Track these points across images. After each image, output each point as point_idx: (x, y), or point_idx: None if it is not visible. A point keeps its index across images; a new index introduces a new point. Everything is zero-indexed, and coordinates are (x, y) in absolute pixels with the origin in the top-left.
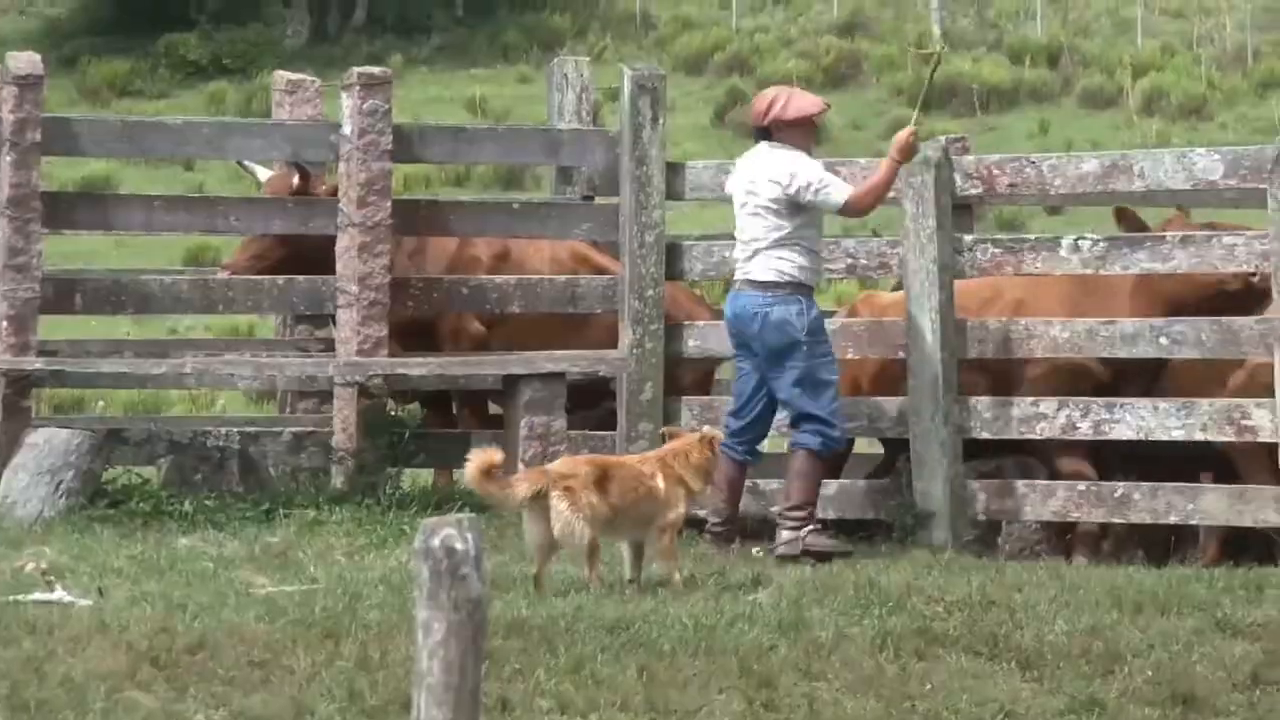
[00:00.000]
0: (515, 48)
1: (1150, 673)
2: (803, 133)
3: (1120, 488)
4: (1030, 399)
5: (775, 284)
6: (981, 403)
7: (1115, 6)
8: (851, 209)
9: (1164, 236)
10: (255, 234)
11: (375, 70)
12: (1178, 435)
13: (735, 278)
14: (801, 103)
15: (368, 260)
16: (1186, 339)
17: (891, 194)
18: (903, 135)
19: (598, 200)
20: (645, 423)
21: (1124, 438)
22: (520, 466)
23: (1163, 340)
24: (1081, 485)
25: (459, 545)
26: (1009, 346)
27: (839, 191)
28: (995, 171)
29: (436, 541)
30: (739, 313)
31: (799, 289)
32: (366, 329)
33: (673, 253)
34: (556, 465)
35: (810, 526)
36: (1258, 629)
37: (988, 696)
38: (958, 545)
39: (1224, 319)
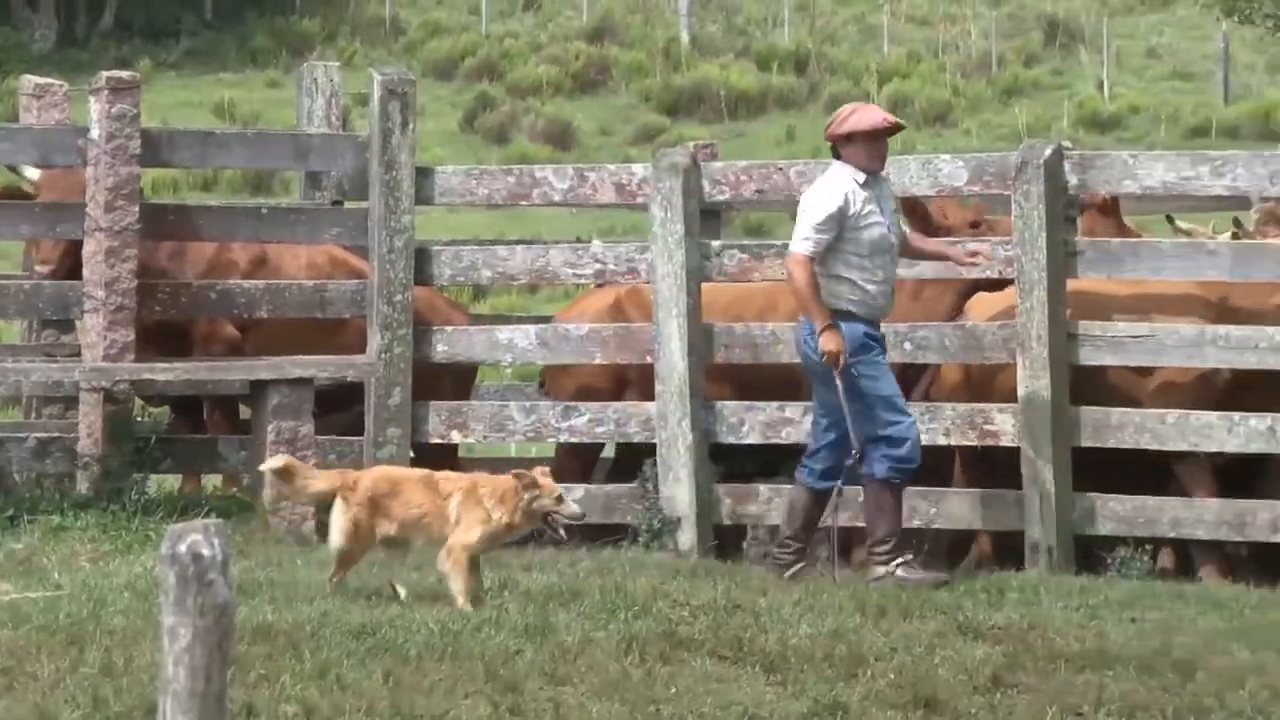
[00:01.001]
0: (264, 52)
1: (893, 675)
2: (861, 150)
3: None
4: (776, 404)
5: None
6: (728, 407)
7: (861, 14)
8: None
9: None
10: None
11: (123, 74)
12: (924, 440)
13: None
14: (859, 119)
15: (115, 265)
16: (931, 344)
17: (640, 199)
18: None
19: (347, 205)
20: (393, 428)
21: None
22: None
23: (907, 345)
24: None
25: (205, 551)
26: (756, 351)
27: (796, 243)
28: (743, 177)
29: (183, 547)
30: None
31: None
32: (113, 334)
33: (422, 257)
34: (360, 472)
35: (899, 559)
36: (998, 632)
37: (732, 700)
38: (704, 550)
39: (968, 324)
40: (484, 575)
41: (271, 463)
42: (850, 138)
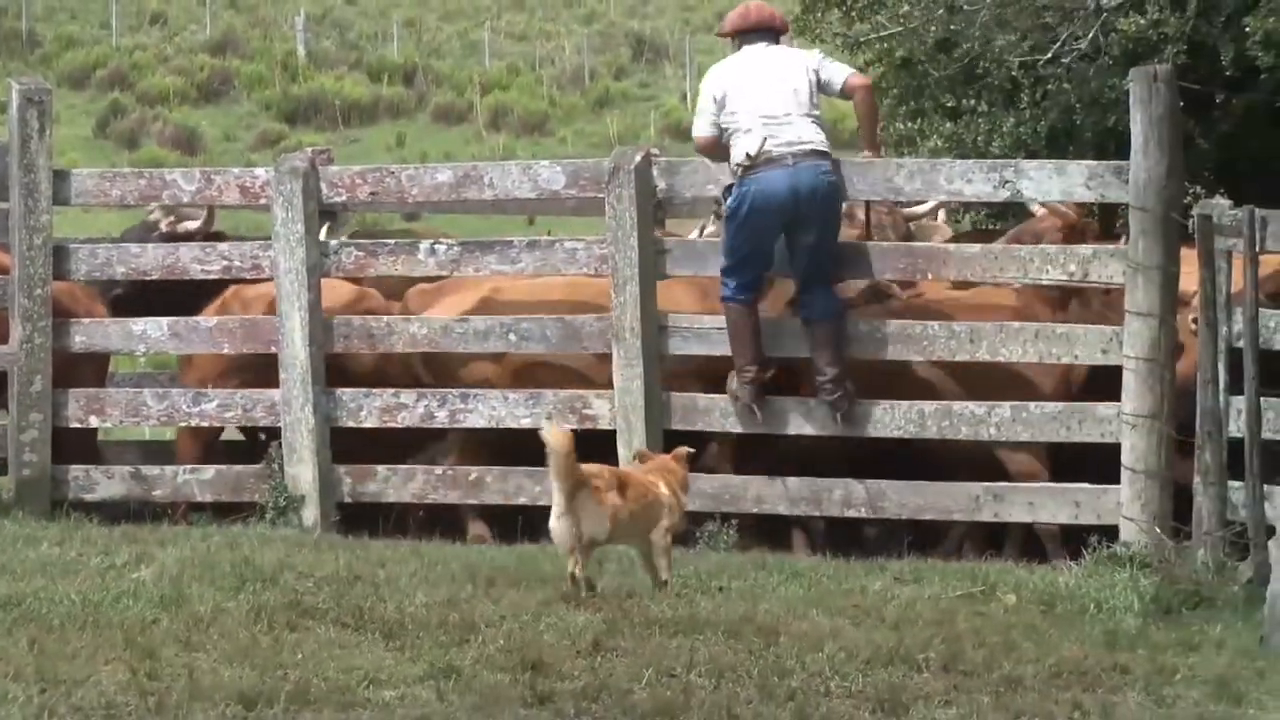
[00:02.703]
0: None
1: (502, 641)
2: None
3: (475, 471)
4: (392, 390)
5: (827, 153)
6: (346, 394)
7: (465, 30)
8: (854, 91)
9: (512, 241)
10: None
11: None
12: (526, 424)
13: (770, 151)
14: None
15: None
16: (533, 335)
17: (263, 200)
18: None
19: None
20: (35, 413)
21: (478, 426)
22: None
23: (511, 336)
24: (439, 469)
25: None
26: (372, 342)
27: (846, 73)
28: (358, 181)
29: None
30: (802, 183)
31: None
32: None
33: (60, 254)
34: (597, 466)
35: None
36: (599, 601)
37: (354, 664)
38: (327, 526)
39: (568, 318)
40: (123, 551)
41: (558, 432)
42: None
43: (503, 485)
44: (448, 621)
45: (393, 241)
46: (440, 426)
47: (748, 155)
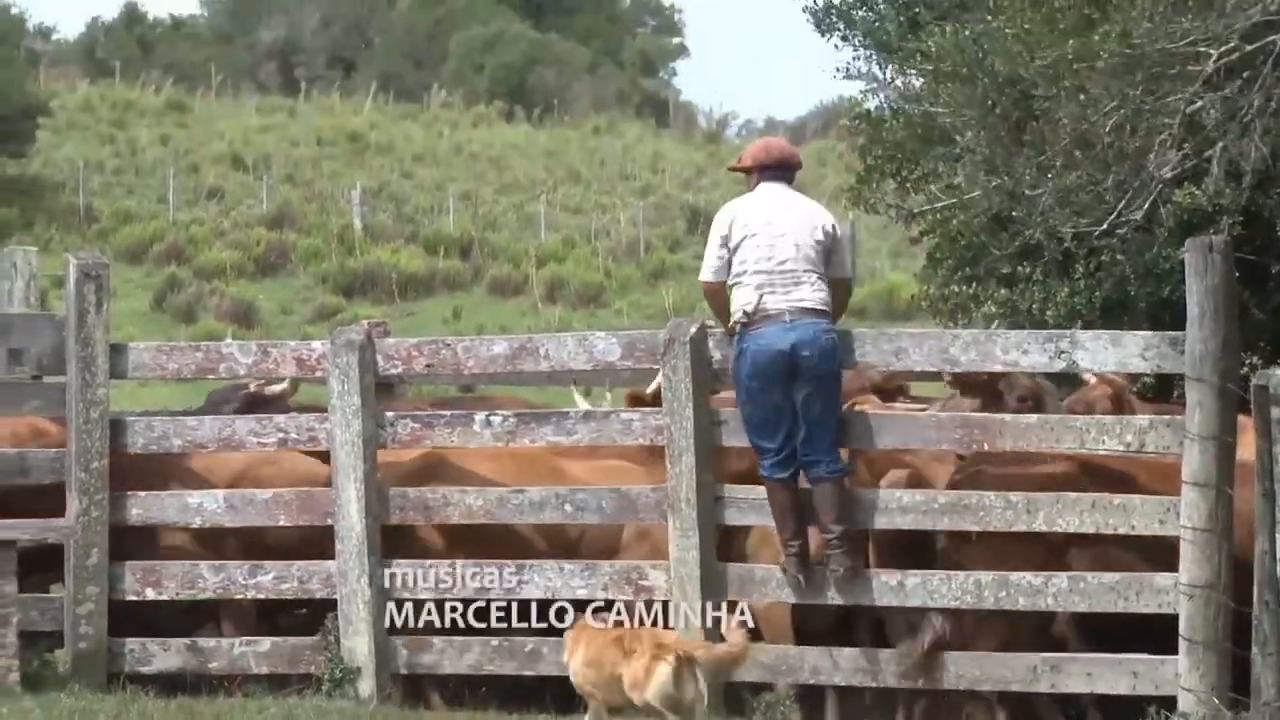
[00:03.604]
0: None
1: None
2: None
3: (530, 643)
4: (448, 562)
5: (826, 313)
6: (401, 564)
7: (521, 203)
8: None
9: (568, 412)
10: None
11: None
12: (582, 594)
13: (765, 310)
14: None
15: None
16: (589, 506)
17: (319, 373)
18: None
19: (46, 379)
20: (92, 586)
21: (534, 597)
22: None
23: (567, 507)
24: (495, 640)
25: None
26: (429, 513)
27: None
28: (414, 352)
29: None
30: (801, 340)
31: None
32: None
33: (116, 427)
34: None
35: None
36: None
37: None
38: (382, 698)
39: (623, 488)
40: None
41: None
42: None
43: (558, 656)
44: None
45: (449, 413)
46: (497, 599)
47: (745, 313)
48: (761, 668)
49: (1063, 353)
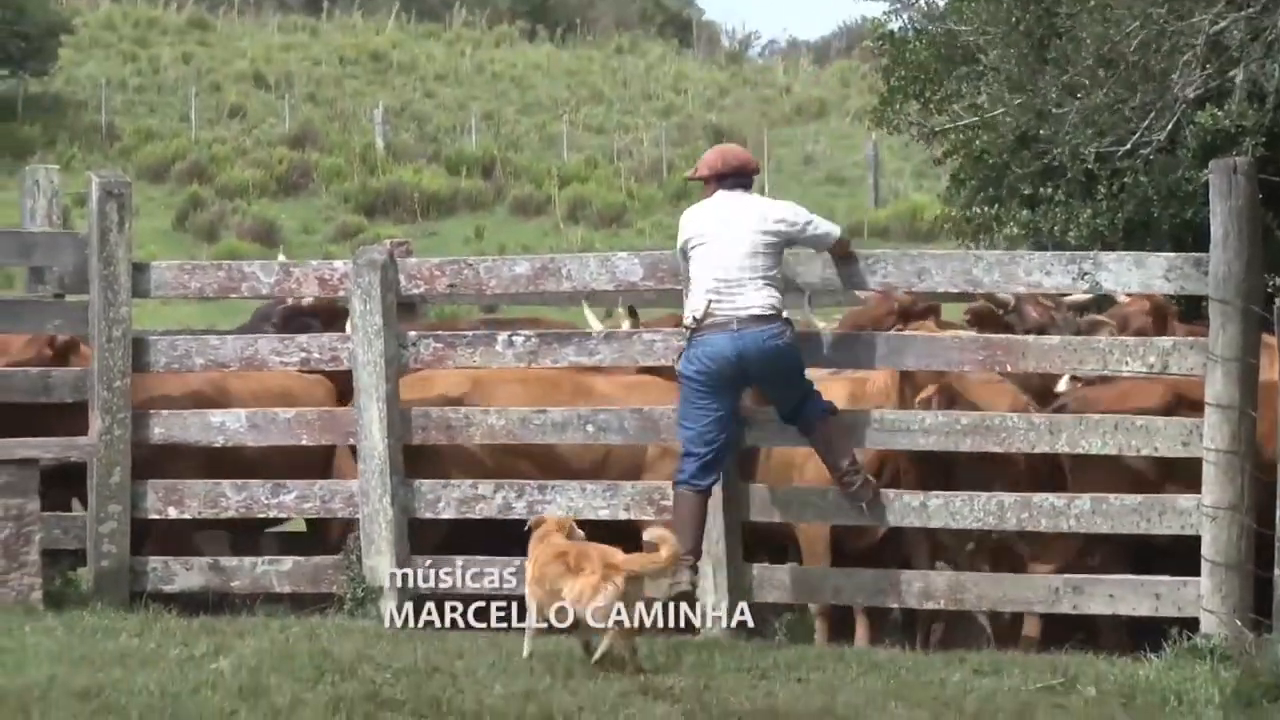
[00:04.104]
0: None
1: None
2: None
3: None
4: (470, 481)
5: (775, 316)
6: (425, 484)
7: (543, 123)
8: (844, 246)
9: (589, 333)
10: None
11: None
12: (604, 515)
13: (714, 316)
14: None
15: None
16: (611, 426)
17: (341, 292)
18: None
19: (69, 298)
20: (114, 504)
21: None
22: None
23: (589, 428)
24: (517, 560)
25: None
26: (450, 433)
27: (833, 227)
28: (436, 273)
29: None
30: (747, 348)
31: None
32: None
33: (139, 346)
34: None
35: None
36: (678, 692)
37: None
38: (403, 617)
39: (645, 409)
40: (201, 642)
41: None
42: None
43: None
44: (526, 713)
45: (471, 333)
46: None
47: (694, 319)
48: (783, 588)
49: (1086, 274)
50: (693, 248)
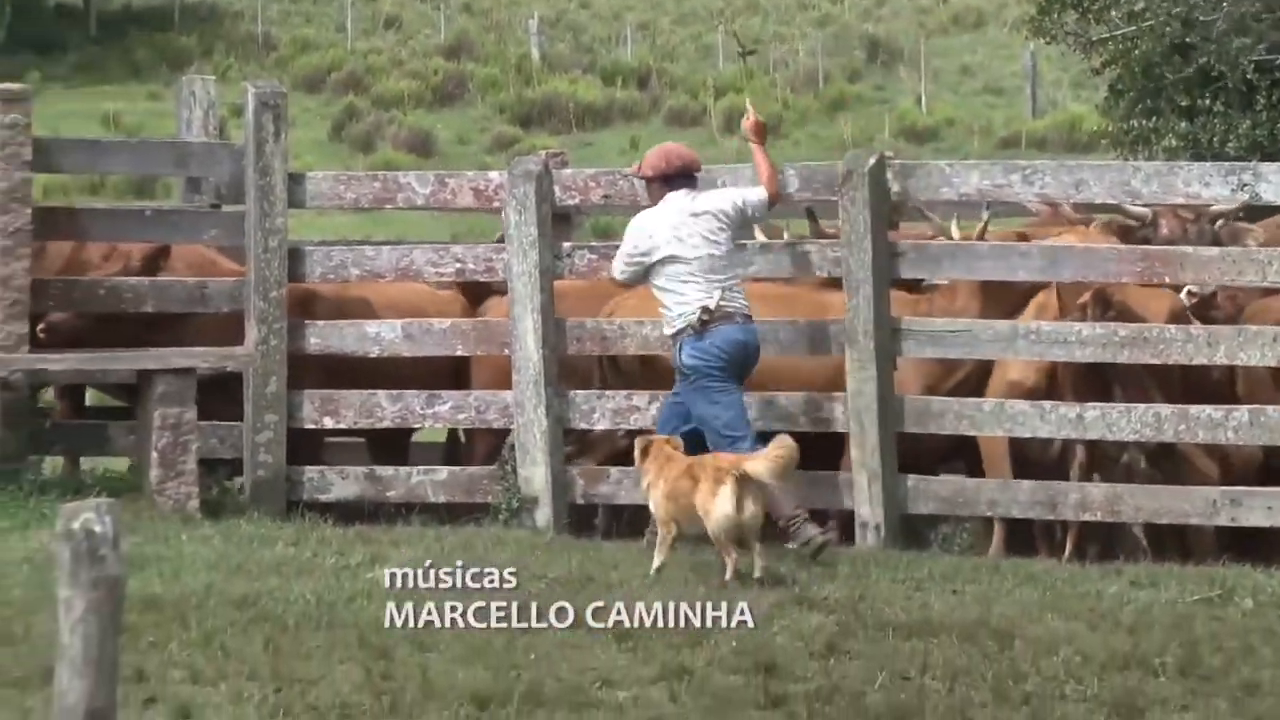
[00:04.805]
0: (146, 66)
1: (735, 643)
2: None
3: None
4: (624, 392)
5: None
6: (579, 395)
7: (699, 34)
8: (773, 198)
9: (744, 244)
10: None
11: (14, 86)
12: (758, 426)
13: (723, 308)
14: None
15: (10, 263)
16: (765, 338)
17: (496, 204)
18: (750, 122)
19: (225, 208)
20: (270, 414)
21: None
22: (154, 455)
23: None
24: None
25: (98, 528)
26: (605, 344)
27: (759, 192)
28: (591, 184)
29: (76, 525)
30: (751, 340)
31: None
32: (9, 326)
33: (294, 257)
34: None
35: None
36: (832, 603)
37: (587, 666)
38: (559, 527)
39: (804, 321)
40: (357, 551)
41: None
42: None
43: None
44: (678, 626)
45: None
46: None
47: (706, 310)
48: (939, 500)
49: (1245, 185)
50: (663, 256)
